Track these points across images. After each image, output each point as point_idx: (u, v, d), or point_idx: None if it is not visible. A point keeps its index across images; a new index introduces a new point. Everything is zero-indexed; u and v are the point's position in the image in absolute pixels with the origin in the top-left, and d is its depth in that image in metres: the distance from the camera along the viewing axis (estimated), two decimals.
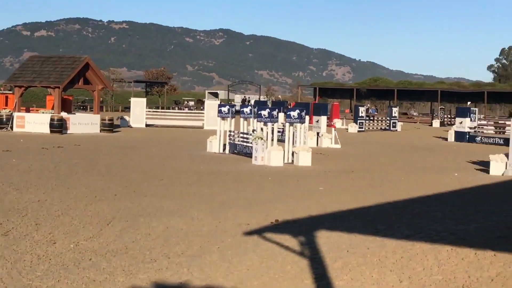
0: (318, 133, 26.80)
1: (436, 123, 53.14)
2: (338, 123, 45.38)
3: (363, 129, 39.64)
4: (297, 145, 19.24)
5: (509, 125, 24.56)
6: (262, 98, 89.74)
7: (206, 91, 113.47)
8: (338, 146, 25.99)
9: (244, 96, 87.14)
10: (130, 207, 10.63)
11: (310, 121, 29.22)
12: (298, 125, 19.50)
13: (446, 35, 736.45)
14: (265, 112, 19.10)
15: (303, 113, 19.23)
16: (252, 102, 61.58)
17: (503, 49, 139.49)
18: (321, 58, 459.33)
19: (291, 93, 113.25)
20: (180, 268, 7.14)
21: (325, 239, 8.43)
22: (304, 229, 9.16)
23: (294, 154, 18.80)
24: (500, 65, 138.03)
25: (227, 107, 22.15)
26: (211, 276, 6.86)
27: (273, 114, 19.08)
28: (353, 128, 39.10)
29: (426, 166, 19.36)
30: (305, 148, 18.57)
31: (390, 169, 18.03)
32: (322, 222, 9.69)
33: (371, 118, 48.64)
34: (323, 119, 27.13)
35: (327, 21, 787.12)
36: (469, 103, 51.24)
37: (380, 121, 43.99)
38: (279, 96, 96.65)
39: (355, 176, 16.23)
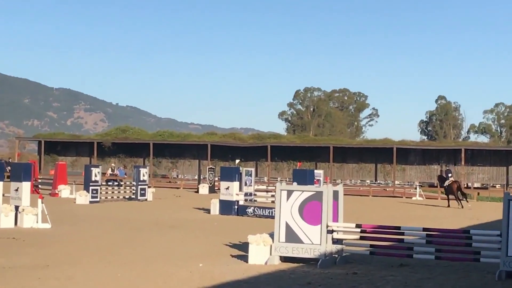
0: (17, 207, 24.64)
1: (204, 188, 53.58)
2: (65, 190, 43.78)
3: (98, 199, 38.16)
4: None
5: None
6: None
7: None
8: (48, 225, 24.14)
9: None
10: None
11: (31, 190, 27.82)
12: None
13: (229, 76, 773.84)
14: None
15: None
16: None
17: (297, 92, 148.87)
18: (64, 102, 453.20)
19: (9, 148, 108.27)
20: None
21: None
22: None
23: None
24: (295, 112, 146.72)
25: None
26: None
27: None
28: (82, 197, 37.43)
29: (164, 253, 18.33)
30: None
31: (107, 260, 16.63)
32: None
33: (119, 182, 47.40)
34: (25, 185, 25.08)
35: (70, 55, 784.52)
36: (237, 161, 52.50)
37: (125, 187, 42.85)
38: None
39: (47, 274, 14.63)
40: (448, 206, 42.24)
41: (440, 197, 50.11)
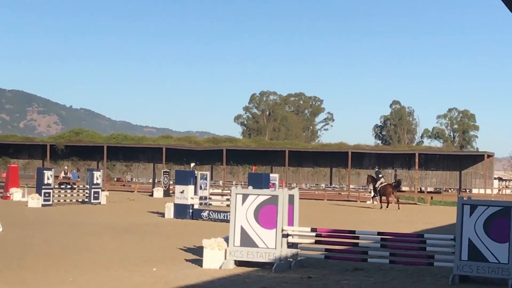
0: None
1: (158, 192, 53.41)
2: (17, 193, 43.20)
3: (50, 202, 37.82)
4: None
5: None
6: None
7: None
8: None
9: None
10: None
11: None
12: None
13: (185, 79, 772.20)
14: None
15: None
16: None
17: (253, 95, 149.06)
18: (17, 103, 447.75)
19: None
20: None
21: None
22: None
23: None
24: (250, 116, 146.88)
25: None
26: None
27: None
28: (35, 201, 37.05)
29: (117, 257, 18.11)
30: None
31: (59, 265, 16.39)
32: None
33: (72, 185, 46.93)
34: None
35: (23, 56, 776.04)
36: (192, 165, 52.41)
37: (78, 191, 42.43)
38: None
39: None
40: (386, 207, 44.87)
41: (394, 201, 50.46)
